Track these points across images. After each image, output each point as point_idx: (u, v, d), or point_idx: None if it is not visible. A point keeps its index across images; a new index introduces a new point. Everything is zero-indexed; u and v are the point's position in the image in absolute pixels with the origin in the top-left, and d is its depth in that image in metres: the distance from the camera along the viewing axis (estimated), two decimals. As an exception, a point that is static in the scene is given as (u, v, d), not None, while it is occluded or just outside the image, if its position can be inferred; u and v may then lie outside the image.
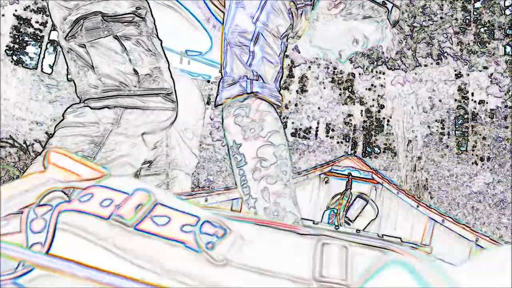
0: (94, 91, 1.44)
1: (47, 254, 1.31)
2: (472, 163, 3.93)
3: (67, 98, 3.90)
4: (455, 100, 3.92)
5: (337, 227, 2.26)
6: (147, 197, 1.39)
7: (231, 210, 2.36)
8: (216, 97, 1.36)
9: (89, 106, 1.42)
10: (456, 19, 3.75)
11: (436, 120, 3.93)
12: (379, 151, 3.97)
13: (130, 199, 1.37)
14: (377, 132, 3.97)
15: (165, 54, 1.49)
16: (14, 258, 1.29)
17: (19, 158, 3.71)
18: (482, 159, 3.90)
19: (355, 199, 2.51)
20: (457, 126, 3.94)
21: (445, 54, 3.67)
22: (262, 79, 1.28)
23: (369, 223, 2.51)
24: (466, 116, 3.93)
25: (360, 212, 2.52)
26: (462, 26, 3.77)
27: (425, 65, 3.82)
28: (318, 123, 3.91)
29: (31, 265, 1.28)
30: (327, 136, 3.92)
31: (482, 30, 3.80)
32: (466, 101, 3.93)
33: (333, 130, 3.85)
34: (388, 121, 3.96)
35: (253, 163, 1.24)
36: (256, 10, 1.37)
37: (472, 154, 3.95)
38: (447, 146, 3.96)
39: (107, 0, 1.36)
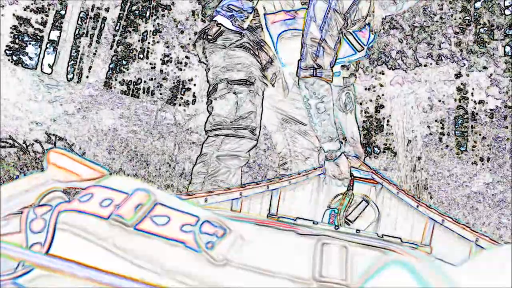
0: (209, 125, 2.37)
1: (47, 254, 1.30)
2: (472, 163, 3.94)
3: (66, 98, 3.90)
4: (455, 100, 3.93)
5: (337, 227, 2.26)
6: (146, 197, 1.38)
7: (230, 210, 2.37)
8: (297, 71, 2.31)
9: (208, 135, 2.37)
10: (455, 19, 3.76)
11: (436, 120, 3.94)
12: (378, 151, 4.00)
13: (130, 199, 1.37)
14: (376, 132, 3.99)
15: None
16: (14, 258, 1.29)
17: (18, 158, 3.72)
18: (482, 159, 3.90)
19: (357, 201, 2.51)
20: (456, 126, 3.94)
21: (444, 55, 3.69)
22: (321, 67, 2.24)
23: (369, 225, 2.51)
24: (466, 116, 3.94)
25: (360, 213, 2.52)
26: (461, 26, 3.78)
27: (425, 65, 3.83)
28: (318, 122, 3.91)
29: (31, 265, 1.28)
30: (327, 136, 3.92)
31: (481, 30, 3.80)
32: (466, 101, 3.94)
33: (333, 129, 3.84)
34: (388, 121, 3.97)
35: (314, 109, 2.27)
36: (321, 22, 2.24)
37: (472, 154, 3.96)
38: (447, 146, 3.96)
39: (232, 71, 2.34)
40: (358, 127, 2.79)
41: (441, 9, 3.69)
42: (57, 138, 3.77)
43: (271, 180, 2.51)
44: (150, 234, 1.32)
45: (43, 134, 3.80)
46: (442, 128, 4.00)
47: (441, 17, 3.67)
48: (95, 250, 1.29)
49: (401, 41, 3.79)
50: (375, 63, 3.82)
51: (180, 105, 3.95)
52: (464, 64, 3.81)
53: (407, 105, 3.92)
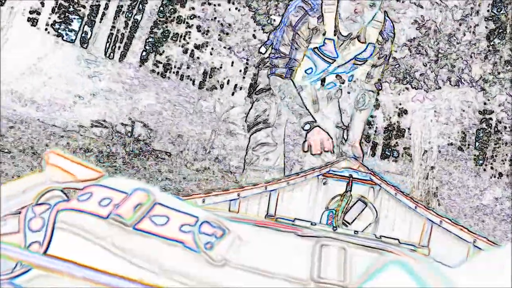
0: (246, 127, 3.10)
1: (45, 253, 1.30)
2: (490, 177, 4.05)
3: (105, 74, 4.10)
4: (480, 112, 4.08)
5: (335, 228, 2.26)
6: (146, 196, 1.38)
7: (229, 211, 2.37)
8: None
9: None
10: (478, 47, 3.95)
11: (456, 133, 4.09)
12: (397, 155, 4.21)
13: (129, 199, 1.37)
14: (397, 137, 4.20)
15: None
16: (12, 259, 1.28)
17: (112, 138, 4.00)
18: (501, 175, 4.04)
19: (355, 202, 2.51)
20: (477, 140, 4.07)
21: (463, 80, 3.88)
22: (277, 67, 2.84)
23: (367, 226, 2.51)
24: (487, 131, 4.07)
25: (358, 215, 2.52)
26: (484, 53, 3.95)
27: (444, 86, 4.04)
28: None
29: (29, 265, 1.28)
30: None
31: (500, 59, 3.98)
32: (486, 116, 4.09)
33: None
34: (409, 128, 4.15)
35: (279, 98, 2.90)
36: (280, 34, 2.85)
37: (486, 169, 4.10)
38: (463, 159, 4.09)
39: (259, 86, 3.08)
40: (364, 129, 3.07)
41: (464, 35, 3.89)
42: (133, 124, 4.10)
43: (269, 181, 2.51)
44: (149, 234, 1.32)
45: (85, 108, 4.04)
46: (462, 141, 4.19)
47: (465, 45, 3.88)
48: (94, 249, 1.29)
49: (425, 65, 4.04)
50: (401, 81, 4.13)
51: (207, 89, 4.25)
52: (481, 90, 4.07)
53: (427, 118, 4.17)
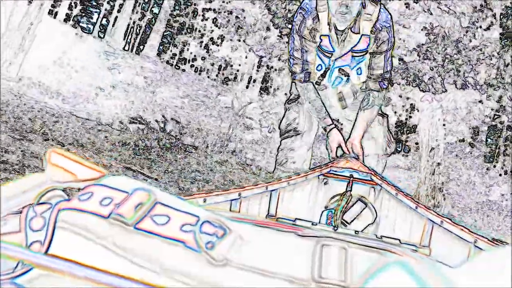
0: (279, 133, 3.34)
1: (46, 253, 1.30)
2: (499, 175, 4.16)
3: (123, 66, 4.20)
4: (492, 110, 4.17)
5: (335, 228, 2.26)
6: (147, 196, 1.38)
7: (229, 211, 2.37)
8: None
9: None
10: (484, 53, 4.06)
11: (462, 131, 4.21)
12: (408, 150, 4.38)
13: (130, 198, 1.37)
14: (408, 132, 4.36)
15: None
16: (13, 258, 1.28)
17: (143, 131, 4.15)
18: (506, 173, 4.15)
19: (355, 202, 2.51)
20: (488, 137, 4.16)
21: (468, 83, 4.00)
22: (296, 73, 3.09)
23: (366, 227, 2.51)
24: (497, 129, 4.16)
25: (358, 215, 2.52)
26: (489, 58, 4.06)
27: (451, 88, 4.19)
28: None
29: (30, 265, 1.28)
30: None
31: (505, 63, 4.09)
32: (498, 112, 4.18)
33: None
34: (417, 125, 4.35)
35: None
36: (291, 41, 3.08)
37: (495, 166, 4.24)
38: (471, 156, 4.18)
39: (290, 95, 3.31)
40: (366, 129, 3.13)
41: (471, 41, 4.02)
42: (166, 120, 4.22)
43: (270, 181, 2.51)
44: (150, 233, 1.32)
45: (107, 100, 4.12)
46: (472, 138, 4.34)
47: (470, 50, 4.01)
48: (95, 249, 1.29)
49: (432, 69, 4.24)
50: (411, 84, 4.34)
51: (223, 82, 4.34)
52: (484, 93, 4.25)
53: (434, 117, 4.36)
